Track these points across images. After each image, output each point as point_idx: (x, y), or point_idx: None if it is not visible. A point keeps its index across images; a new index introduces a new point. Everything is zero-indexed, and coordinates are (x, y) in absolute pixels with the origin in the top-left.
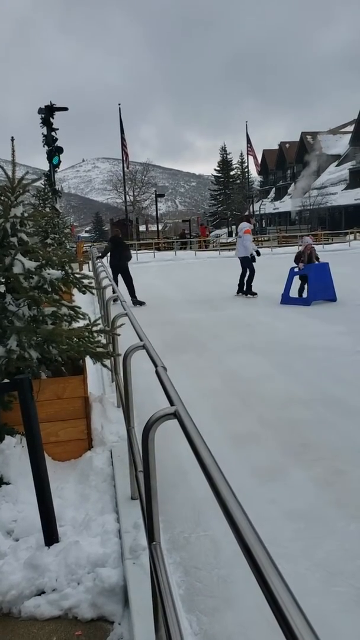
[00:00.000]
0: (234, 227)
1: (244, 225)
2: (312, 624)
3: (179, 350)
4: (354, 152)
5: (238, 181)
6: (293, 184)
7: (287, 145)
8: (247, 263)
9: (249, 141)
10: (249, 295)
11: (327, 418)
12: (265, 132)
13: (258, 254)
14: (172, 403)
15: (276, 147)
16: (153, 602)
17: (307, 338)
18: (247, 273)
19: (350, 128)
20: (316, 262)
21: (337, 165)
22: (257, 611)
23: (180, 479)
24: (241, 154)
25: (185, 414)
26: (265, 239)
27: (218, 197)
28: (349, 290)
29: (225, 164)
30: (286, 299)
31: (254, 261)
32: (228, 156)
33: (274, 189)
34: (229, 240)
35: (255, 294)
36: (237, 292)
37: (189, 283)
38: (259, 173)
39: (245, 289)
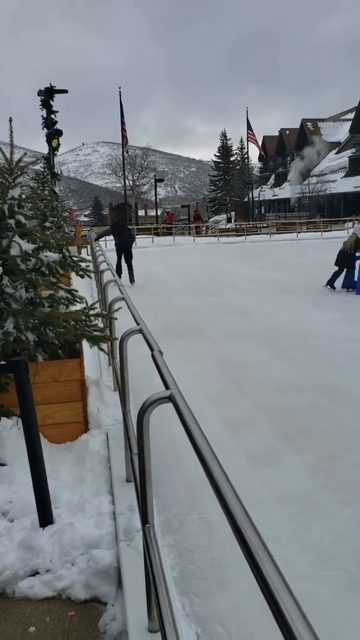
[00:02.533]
0: (232, 213)
1: None
2: (303, 607)
3: (175, 335)
4: (354, 139)
5: (238, 167)
6: (292, 170)
7: (288, 132)
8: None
9: (249, 127)
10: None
11: (322, 404)
12: (265, 119)
13: None
14: (167, 387)
15: (276, 133)
16: (146, 584)
17: (304, 325)
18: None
19: (351, 115)
20: None
21: (336, 153)
22: (249, 594)
23: (176, 462)
24: (241, 140)
25: (180, 397)
26: (264, 225)
27: (217, 182)
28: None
29: (225, 150)
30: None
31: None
32: (228, 142)
33: (273, 176)
34: (227, 227)
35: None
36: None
37: (187, 269)
38: (260, 159)
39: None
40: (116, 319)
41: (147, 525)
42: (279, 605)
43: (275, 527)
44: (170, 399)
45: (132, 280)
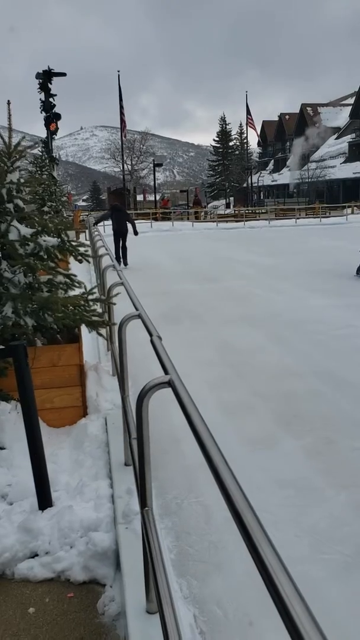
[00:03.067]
0: (231, 198)
1: None
2: (300, 590)
3: (174, 321)
4: (354, 125)
5: (237, 152)
6: (292, 155)
7: (287, 116)
8: None
9: (248, 112)
10: None
11: (320, 390)
12: (265, 103)
13: None
14: (166, 372)
15: (276, 118)
16: (144, 566)
17: (303, 311)
18: None
19: (351, 100)
20: None
21: (336, 138)
22: (246, 576)
23: (174, 446)
24: (240, 124)
25: (179, 382)
26: (263, 211)
27: (216, 167)
28: (342, 262)
29: (224, 135)
30: None
31: None
32: (227, 127)
33: (272, 161)
34: (226, 212)
35: None
36: None
37: (186, 254)
38: (259, 144)
39: None
40: (115, 304)
41: (146, 508)
42: (276, 586)
43: (272, 510)
44: (170, 384)
45: (125, 262)
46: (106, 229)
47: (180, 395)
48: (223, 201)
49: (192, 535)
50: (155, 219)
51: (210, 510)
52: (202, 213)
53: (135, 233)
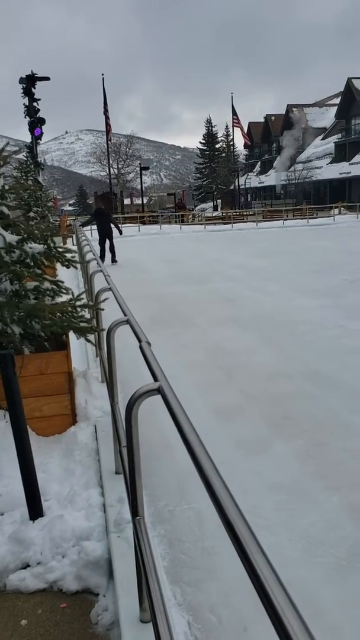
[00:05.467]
0: (219, 201)
1: None
2: (293, 594)
3: (164, 324)
4: (340, 125)
5: (223, 154)
6: (278, 157)
7: (273, 118)
8: None
9: (234, 113)
10: None
11: (310, 391)
12: (251, 104)
13: None
14: (156, 379)
15: (262, 119)
16: (137, 575)
17: (292, 312)
18: None
19: (337, 101)
20: None
21: (322, 139)
22: (239, 581)
23: (166, 452)
24: (226, 126)
25: (169, 389)
26: (251, 213)
27: (203, 170)
28: (330, 263)
29: (210, 137)
30: None
31: None
32: (214, 129)
33: (259, 163)
34: (214, 215)
35: None
36: None
37: (175, 257)
38: (246, 146)
39: None
40: (103, 309)
41: (138, 517)
42: (267, 593)
43: (264, 515)
44: (159, 391)
45: (113, 260)
46: (94, 233)
47: (170, 402)
48: (211, 204)
49: (185, 542)
50: (143, 223)
51: (202, 516)
52: (190, 216)
53: (120, 232)
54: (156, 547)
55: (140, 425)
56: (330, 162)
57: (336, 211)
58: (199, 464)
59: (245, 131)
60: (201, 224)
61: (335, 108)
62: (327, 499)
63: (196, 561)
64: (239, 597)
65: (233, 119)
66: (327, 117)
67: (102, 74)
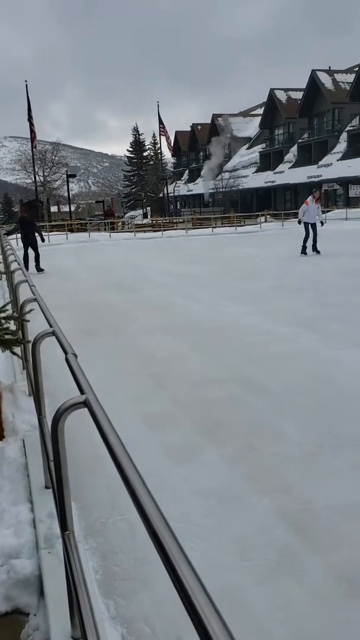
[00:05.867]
0: (148, 208)
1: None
2: (225, 599)
3: (93, 334)
4: (264, 135)
5: (152, 162)
6: (205, 165)
7: (199, 127)
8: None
9: (161, 122)
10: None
11: (239, 396)
12: (178, 113)
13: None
14: (82, 391)
15: (188, 128)
16: (68, 591)
17: (221, 318)
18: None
19: (260, 111)
20: None
21: (247, 148)
22: (173, 589)
23: (97, 464)
24: (154, 134)
25: (95, 402)
26: (180, 220)
27: (132, 178)
28: (257, 270)
29: (138, 145)
30: None
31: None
32: (141, 137)
33: (187, 171)
34: (144, 222)
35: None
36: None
37: (104, 265)
38: (173, 154)
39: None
40: (28, 320)
41: (67, 532)
42: (193, 603)
43: (196, 522)
44: (85, 403)
45: (38, 268)
46: (19, 242)
47: (97, 415)
48: (140, 211)
49: (118, 553)
50: (71, 230)
51: (135, 527)
52: (120, 223)
53: (42, 240)
54: (88, 561)
55: (71, 438)
56: (256, 171)
57: (263, 219)
58: (125, 477)
59: (172, 139)
60: (131, 232)
61: (259, 118)
62: (257, 503)
63: (129, 572)
64: (172, 605)
65: (160, 127)
66: (251, 127)
67: (26, 81)
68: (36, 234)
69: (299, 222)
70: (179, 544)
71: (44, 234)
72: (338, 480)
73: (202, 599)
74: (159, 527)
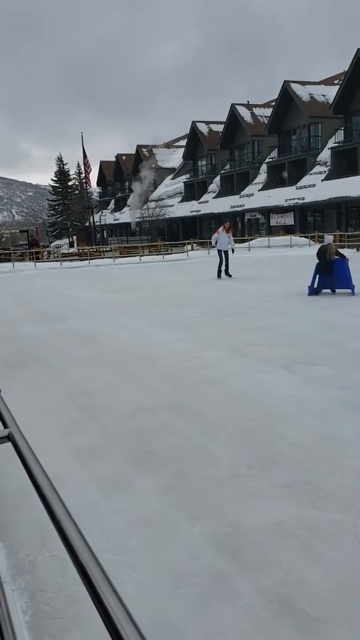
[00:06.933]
0: (74, 237)
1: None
2: (160, 629)
3: (18, 367)
4: (187, 166)
5: (77, 192)
6: (131, 195)
7: (124, 157)
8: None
9: (84, 154)
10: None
11: (171, 423)
12: (102, 143)
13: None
14: (5, 426)
15: (113, 158)
16: None
17: (150, 346)
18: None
19: (183, 142)
20: None
21: (172, 179)
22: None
23: (24, 501)
24: (78, 164)
25: (20, 436)
26: (107, 249)
27: (57, 207)
28: (184, 297)
29: (62, 174)
30: None
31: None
32: (65, 166)
33: (113, 200)
34: (70, 251)
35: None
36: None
37: (29, 296)
38: (98, 184)
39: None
40: None
41: None
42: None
43: (129, 553)
44: (9, 438)
45: None
46: None
47: (21, 450)
48: (66, 240)
49: (48, 591)
50: None
51: (65, 563)
52: (45, 252)
53: None
54: (16, 602)
55: None
56: (181, 201)
57: (189, 247)
58: (51, 512)
59: (98, 169)
60: (57, 261)
61: (183, 150)
62: (189, 530)
63: (60, 610)
64: None
65: (84, 159)
66: (175, 158)
67: None
68: None
69: (213, 246)
70: (108, 579)
71: None
72: (266, 501)
73: (131, 634)
74: (87, 562)
